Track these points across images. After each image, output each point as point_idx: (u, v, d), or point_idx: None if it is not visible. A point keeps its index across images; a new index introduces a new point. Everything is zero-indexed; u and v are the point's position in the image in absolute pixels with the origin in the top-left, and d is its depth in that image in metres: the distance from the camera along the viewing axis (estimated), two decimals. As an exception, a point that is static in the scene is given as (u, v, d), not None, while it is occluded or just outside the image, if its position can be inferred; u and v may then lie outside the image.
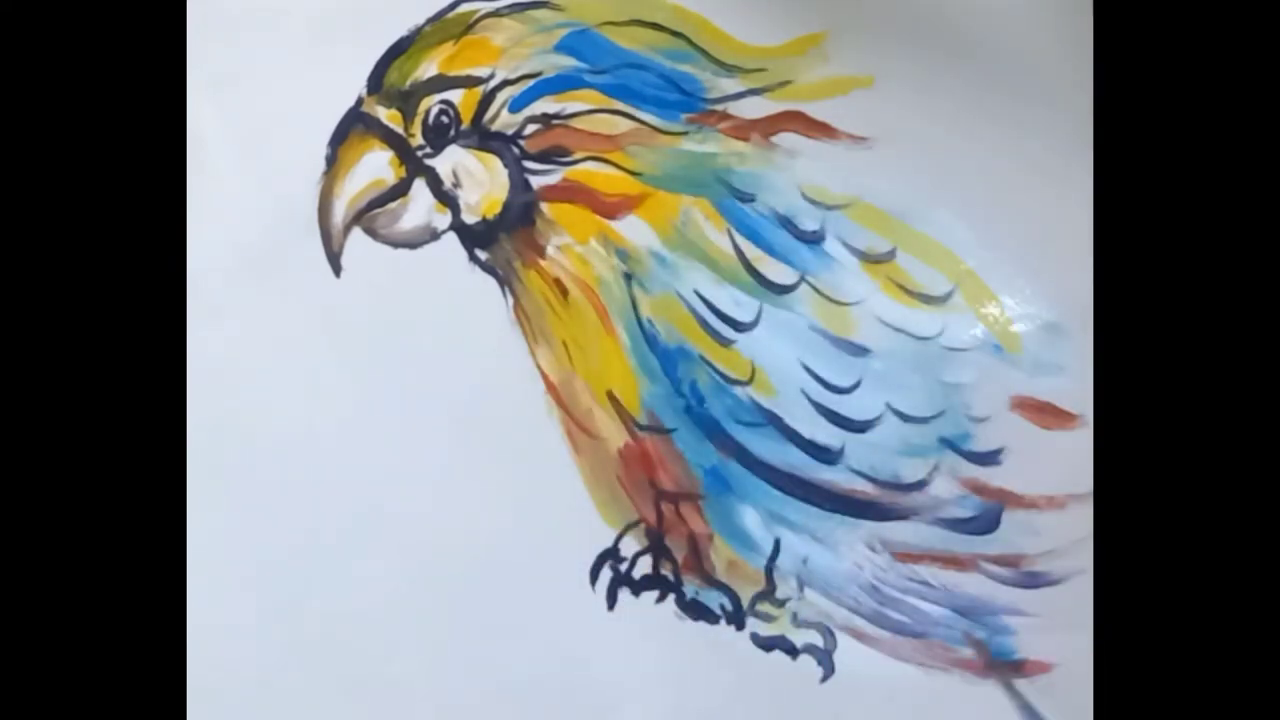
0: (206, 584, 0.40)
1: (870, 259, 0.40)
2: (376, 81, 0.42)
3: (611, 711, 0.40)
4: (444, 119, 0.42)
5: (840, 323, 0.40)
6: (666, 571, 0.40)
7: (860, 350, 0.39)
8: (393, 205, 0.42)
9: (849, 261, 0.40)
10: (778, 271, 0.40)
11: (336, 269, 0.42)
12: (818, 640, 0.40)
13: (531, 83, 0.41)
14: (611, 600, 0.40)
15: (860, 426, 0.39)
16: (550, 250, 0.41)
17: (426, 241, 0.42)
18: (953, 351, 0.39)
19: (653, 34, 0.41)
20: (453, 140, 0.42)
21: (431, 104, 0.42)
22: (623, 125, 0.41)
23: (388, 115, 0.42)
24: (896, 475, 0.39)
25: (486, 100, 0.42)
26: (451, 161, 0.42)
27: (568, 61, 0.41)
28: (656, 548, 0.40)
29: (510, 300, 0.42)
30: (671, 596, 0.40)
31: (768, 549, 0.40)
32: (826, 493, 0.39)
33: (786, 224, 0.40)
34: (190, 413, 0.40)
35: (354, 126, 0.42)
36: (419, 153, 0.42)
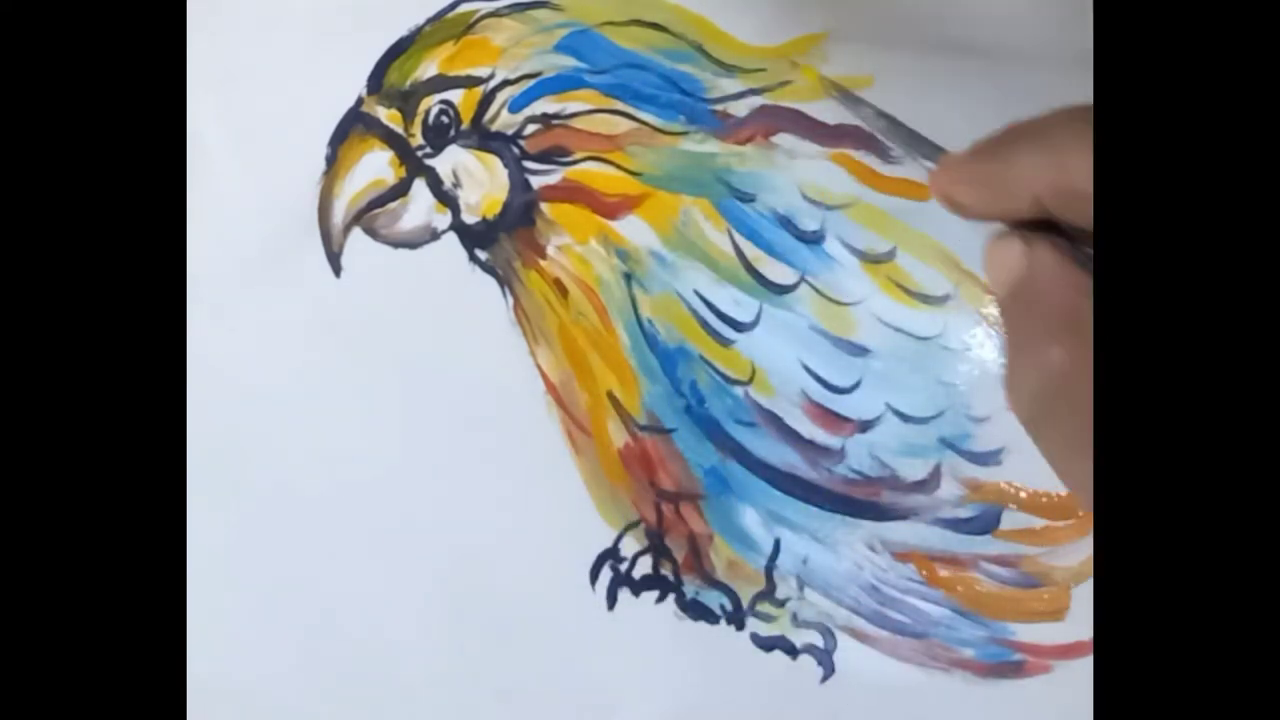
0: (206, 585, 0.40)
1: (870, 259, 0.40)
2: (376, 81, 0.42)
3: (611, 711, 0.40)
4: (444, 119, 0.42)
5: (840, 323, 0.40)
6: (666, 571, 0.40)
7: (860, 350, 0.39)
8: (393, 205, 0.42)
9: (849, 261, 0.40)
10: (778, 271, 0.40)
11: (336, 269, 0.42)
12: (818, 640, 0.40)
13: (531, 83, 0.41)
14: (611, 600, 0.40)
15: (860, 426, 0.39)
16: (550, 250, 0.41)
17: (426, 241, 0.42)
18: (953, 351, 0.39)
19: (653, 34, 0.41)
20: (453, 140, 0.42)
21: (431, 104, 0.42)
22: (623, 125, 0.41)
23: (388, 115, 0.42)
24: (896, 475, 0.39)
25: (486, 100, 0.42)
26: (451, 161, 0.42)
27: (568, 61, 0.41)
28: (656, 548, 0.40)
29: (510, 300, 0.42)
30: (671, 596, 0.40)
31: (768, 549, 0.40)
32: (826, 493, 0.39)
33: (786, 224, 0.40)
34: (190, 412, 0.40)
35: (354, 126, 0.42)
36: (419, 153, 0.42)
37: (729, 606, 0.40)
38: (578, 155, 0.41)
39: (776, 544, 0.40)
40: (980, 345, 0.39)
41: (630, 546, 0.41)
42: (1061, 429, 0.25)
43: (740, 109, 0.41)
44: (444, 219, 0.42)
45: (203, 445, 0.40)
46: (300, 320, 0.42)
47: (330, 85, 0.42)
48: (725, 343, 0.40)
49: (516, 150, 0.41)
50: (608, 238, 0.41)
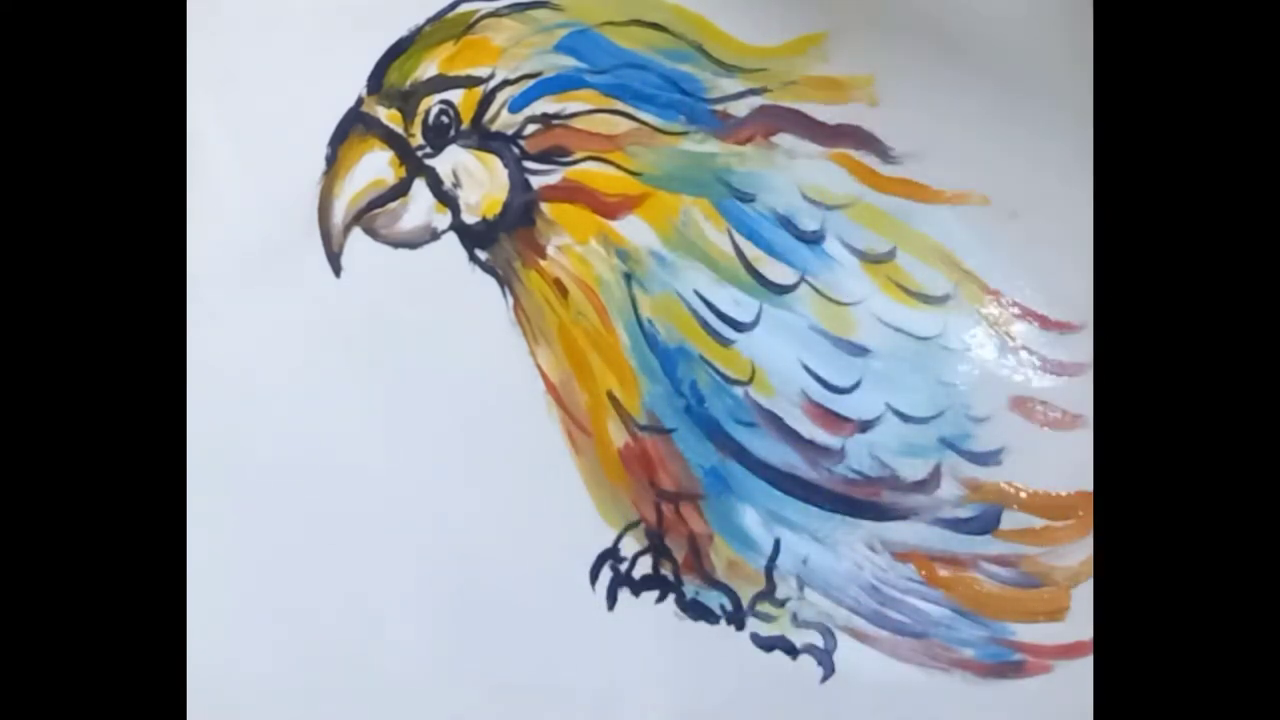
0: (206, 584, 0.40)
1: (870, 259, 0.40)
2: (376, 81, 0.42)
3: (611, 711, 0.40)
4: (444, 119, 0.42)
5: (840, 323, 0.40)
6: (666, 571, 0.40)
7: (860, 350, 0.39)
8: (393, 205, 0.42)
9: (849, 261, 0.40)
10: (778, 271, 0.40)
11: (336, 269, 0.42)
12: (818, 640, 0.40)
13: (531, 83, 0.41)
14: (611, 600, 0.40)
15: (860, 426, 0.39)
16: (550, 250, 0.41)
17: (426, 241, 0.42)
18: (953, 351, 0.39)
19: (653, 34, 0.41)
20: (453, 140, 0.42)
21: (431, 104, 0.42)
22: (623, 125, 0.41)
23: (388, 115, 0.42)
24: (896, 475, 0.39)
25: (486, 100, 0.42)
26: (451, 161, 0.42)
27: (568, 61, 0.41)
28: (656, 548, 0.40)
29: (510, 300, 0.42)
30: (671, 596, 0.40)
31: (768, 549, 0.40)
32: (826, 493, 0.39)
33: (786, 224, 0.40)
34: (190, 412, 0.40)
35: (354, 126, 0.42)
36: (419, 153, 0.42)
37: (729, 606, 0.40)
38: (578, 155, 0.41)
39: (776, 544, 0.40)
40: (980, 345, 0.39)
41: (630, 546, 0.41)
42: None
43: (740, 109, 0.41)
44: (444, 219, 0.42)
45: (203, 445, 0.40)
46: (300, 320, 0.42)
47: (330, 85, 0.42)
48: (725, 343, 0.40)
49: (516, 150, 0.41)
50: (608, 238, 0.41)
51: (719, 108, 0.41)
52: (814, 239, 0.40)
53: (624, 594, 0.40)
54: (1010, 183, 0.39)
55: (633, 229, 0.41)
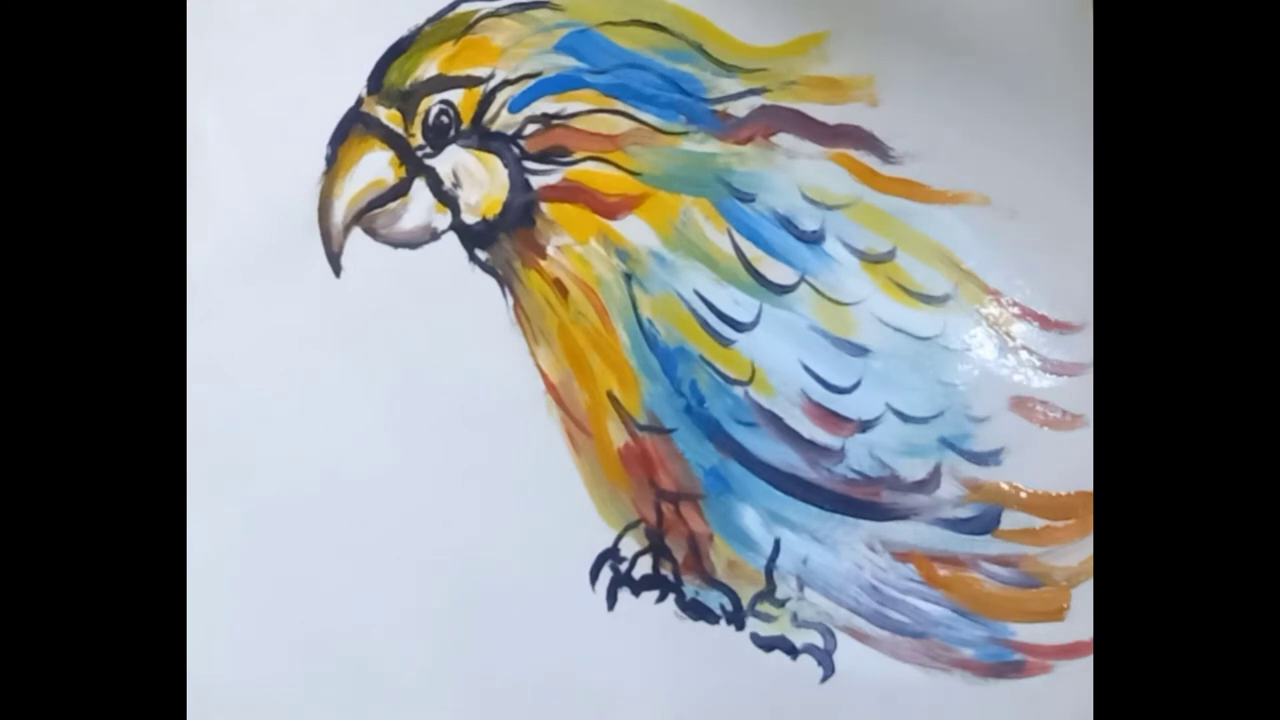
0: (206, 582, 0.40)
1: (870, 259, 0.40)
2: (376, 81, 0.42)
3: (611, 711, 0.40)
4: (444, 119, 0.42)
5: (840, 323, 0.40)
6: (666, 571, 0.40)
7: (860, 350, 0.39)
8: (393, 205, 0.42)
9: (849, 261, 0.40)
10: (778, 271, 0.40)
11: (336, 269, 0.42)
12: (818, 640, 0.40)
13: (531, 83, 0.41)
14: (611, 600, 0.40)
15: (860, 426, 0.39)
16: (550, 250, 0.41)
17: (426, 241, 0.42)
18: (953, 351, 0.39)
19: (653, 34, 0.41)
20: (453, 140, 0.42)
21: (431, 104, 0.42)
22: (623, 125, 0.41)
23: (388, 115, 0.42)
24: (896, 475, 0.39)
25: (486, 100, 0.42)
26: (451, 161, 0.42)
27: (568, 61, 0.41)
28: (656, 548, 0.40)
29: (510, 300, 0.42)
30: (671, 596, 0.40)
31: (768, 549, 0.40)
32: (826, 493, 0.39)
33: (786, 224, 0.40)
34: (190, 412, 0.40)
35: (354, 126, 0.42)
36: (419, 153, 0.42)
37: (729, 606, 0.40)
38: (578, 155, 0.41)
39: (776, 544, 0.40)
40: (980, 345, 0.39)
41: (630, 546, 0.41)
42: None
43: (740, 109, 0.41)
44: (444, 219, 0.42)
45: (203, 445, 0.40)
46: (300, 320, 0.42)
47: (330, 85, 0.42)
48: (725, 343, 0.40)
49: (516, 150, 0.41)
50: (608, 238, 0.41)
51: (719, 108, 0.41)
52: (814, 239, 0.40)
53: (624, 594, 0.40)
54: (1010, 183, 0.39)
55: (633, 229, 0.41)
